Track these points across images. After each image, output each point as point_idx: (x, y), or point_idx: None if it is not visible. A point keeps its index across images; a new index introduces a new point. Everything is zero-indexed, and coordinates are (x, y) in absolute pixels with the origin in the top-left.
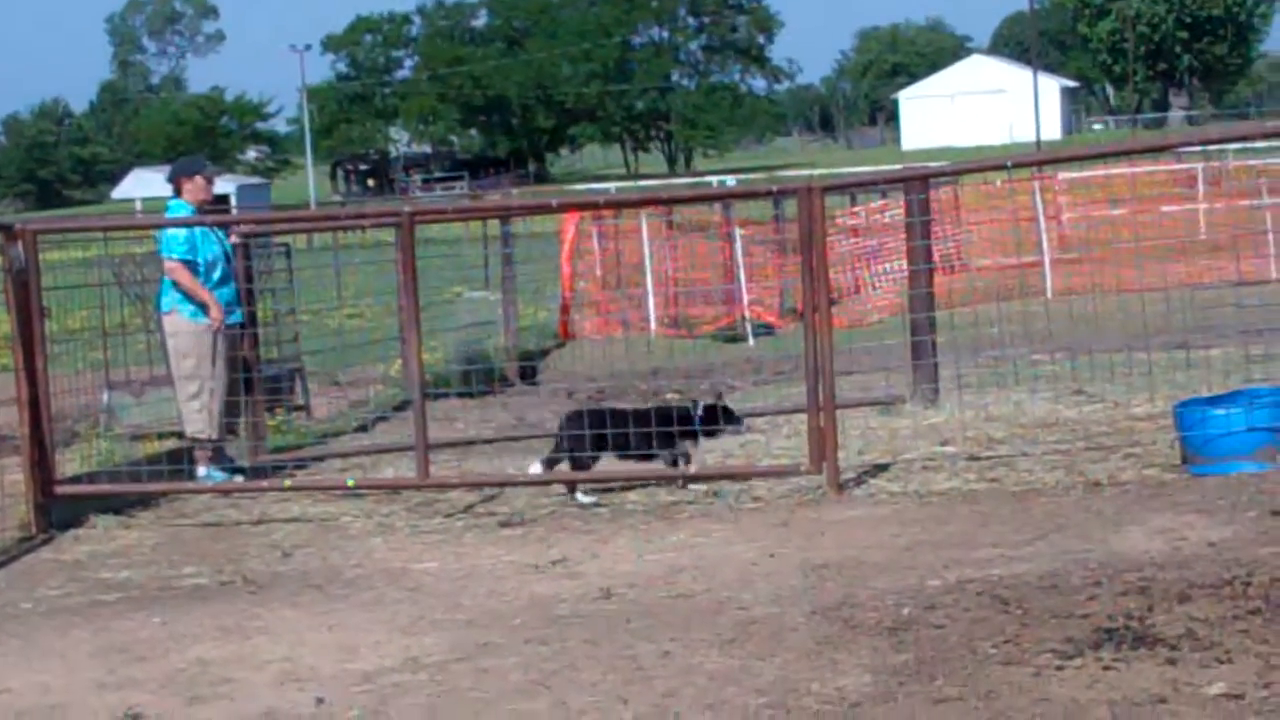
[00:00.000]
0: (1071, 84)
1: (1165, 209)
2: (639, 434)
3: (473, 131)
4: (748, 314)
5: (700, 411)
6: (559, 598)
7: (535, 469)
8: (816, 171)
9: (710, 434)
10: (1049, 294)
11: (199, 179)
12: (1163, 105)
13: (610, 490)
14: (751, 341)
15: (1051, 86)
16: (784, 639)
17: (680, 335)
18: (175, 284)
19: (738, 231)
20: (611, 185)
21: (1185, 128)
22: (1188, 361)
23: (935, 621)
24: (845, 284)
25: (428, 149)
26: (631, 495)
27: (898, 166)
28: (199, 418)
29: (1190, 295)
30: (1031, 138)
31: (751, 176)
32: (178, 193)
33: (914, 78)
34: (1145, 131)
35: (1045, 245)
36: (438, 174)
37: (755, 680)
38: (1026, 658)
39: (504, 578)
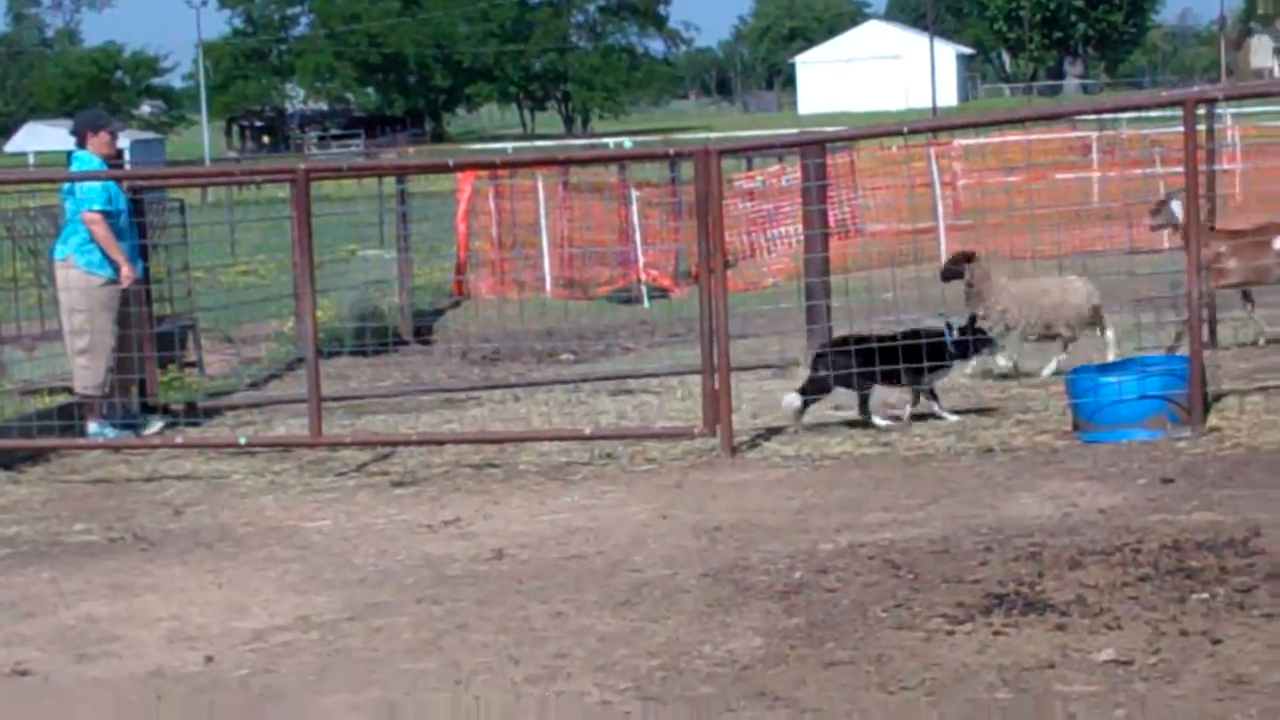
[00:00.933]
0: (968, 51)
1: (1059, 176)
2: (902, 361)
3: (369, 89)
4: (643, 276)
5: (954, 334)
6: (451, 558)
7: (791, 400)
8: (713, 135)
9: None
10: (944, 260)
11: (104, 133)
12: (1058, 73)
13: (503, 450)
14: (647, 304)
15: (948, 53)
16: (676, 601)
17: (575, 296)
18: (91, 237)
19: (634, 193)
20: (508, 145)
21: (1080, 96)
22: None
23: (827, 585)
24: (741, 247)
25: (324, 106)
26: (525, 455)
27: (794, 131)
28: (87, 373)
29: (1083, 263)
30: (928, 104)
31: (648, 139)
32: (82, 145)
33: (811, 42)
34: (1040, 99)
35: (940, 211)
36: (334, 131)
37: (647, 642)
38: (917, 622)
39: (396, 537)
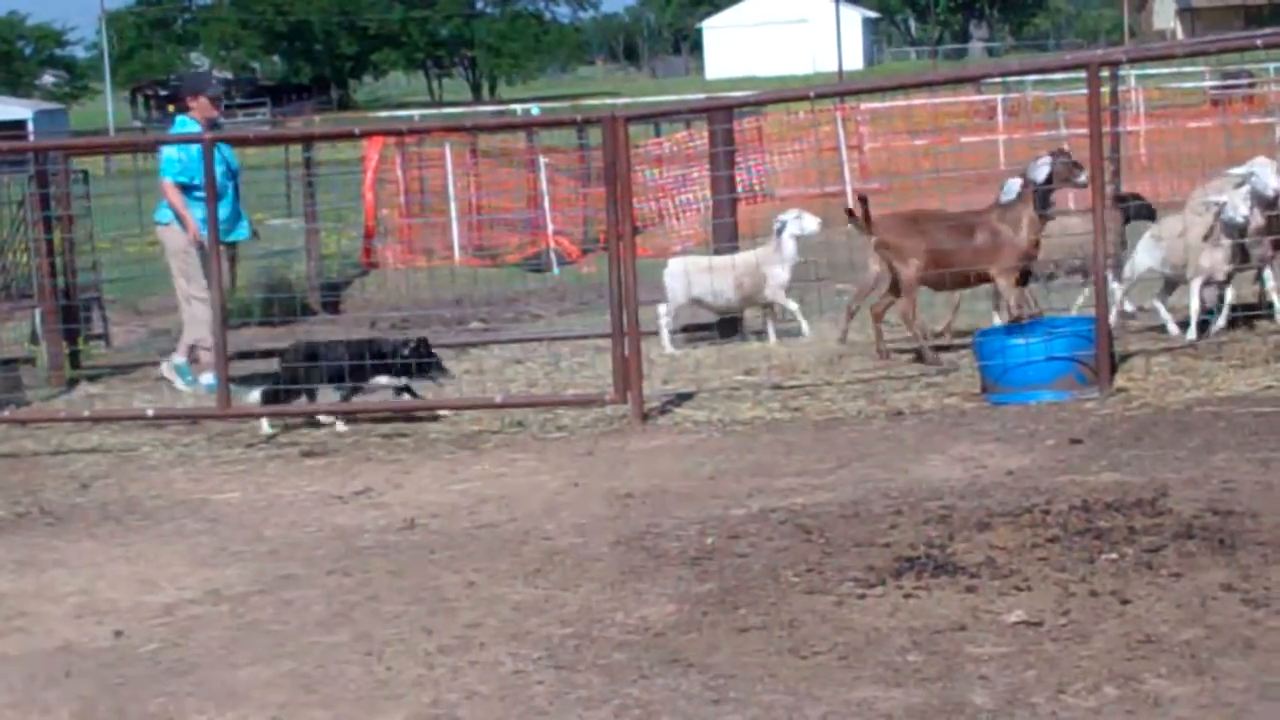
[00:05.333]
0: (873, 15)
1: (965, 140)
2: None
3: (275, 57)
4: (553, 243)
5: None
6: (362, 528)
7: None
8: (621, 101)
9: None
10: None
11: (203, 98)
12: (963, 37)
13: (414, 420)
14: (556, 270)
15: (854, 17)
16: (588, 569)
17: (484, 264)
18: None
19: (542, 160)
20: (415, 112)
21: (985, 59)
22: (988, 290)
23: (739, 550)
24: (650, 213)
25: (229, 75)
26: (434, 425)
27: (702, 96)
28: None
29: None
30: (834, 68)
31: (556, 105)
32: (184, 109)
33: (717, 7)
34: (946, 63)
35: (847, 175)
36: (240, 100)
37: (559, 610)
38: (829, 586)
39: (306, 508)
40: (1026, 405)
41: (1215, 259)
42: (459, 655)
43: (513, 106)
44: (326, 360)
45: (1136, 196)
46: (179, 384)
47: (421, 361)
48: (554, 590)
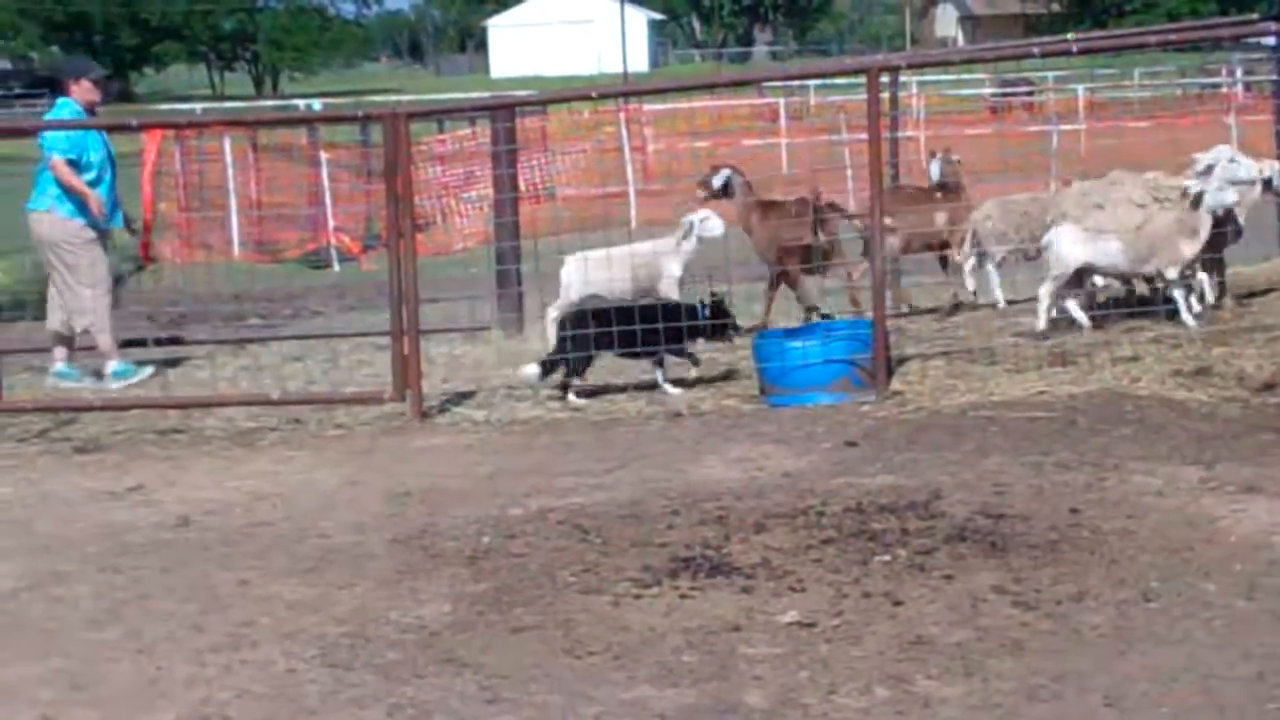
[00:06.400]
0: (659, 16)
1: (748, 142)
2: None
3: (54, 48)
4: (333, 240)
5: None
6: (135, 525)
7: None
8: (404, 97)
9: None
10: (634, 224)
11: (85, 81)
12: (748, 40)
13: (189, 415)
14: (337, 267)
15: (639, 19)
16: (364, 568)
17: (264, 260)
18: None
19: (324, 156)
20: (197, 106)
21: (769, 63)
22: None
23: (515, 550)
24: (432, 211)
25: (7, 65)
26: (211, 420)
27: (486, 94)
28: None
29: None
30: (619, 69)
31: (339, 101)
32: (65, 92)
33: (503, 6)
34: (730, 66)
35: (631, 176)
36: (17, 90)
37: (334, 609)
38: (605, 586)
39: (78, 504)
40: (804, 407)
41: (1195, 247)
42: (231, 653)
43: (295, 102)
44: (604, 325)
45: (834, 207)
46: (72, 384)
47: (719, 323)
48: (329, 589)
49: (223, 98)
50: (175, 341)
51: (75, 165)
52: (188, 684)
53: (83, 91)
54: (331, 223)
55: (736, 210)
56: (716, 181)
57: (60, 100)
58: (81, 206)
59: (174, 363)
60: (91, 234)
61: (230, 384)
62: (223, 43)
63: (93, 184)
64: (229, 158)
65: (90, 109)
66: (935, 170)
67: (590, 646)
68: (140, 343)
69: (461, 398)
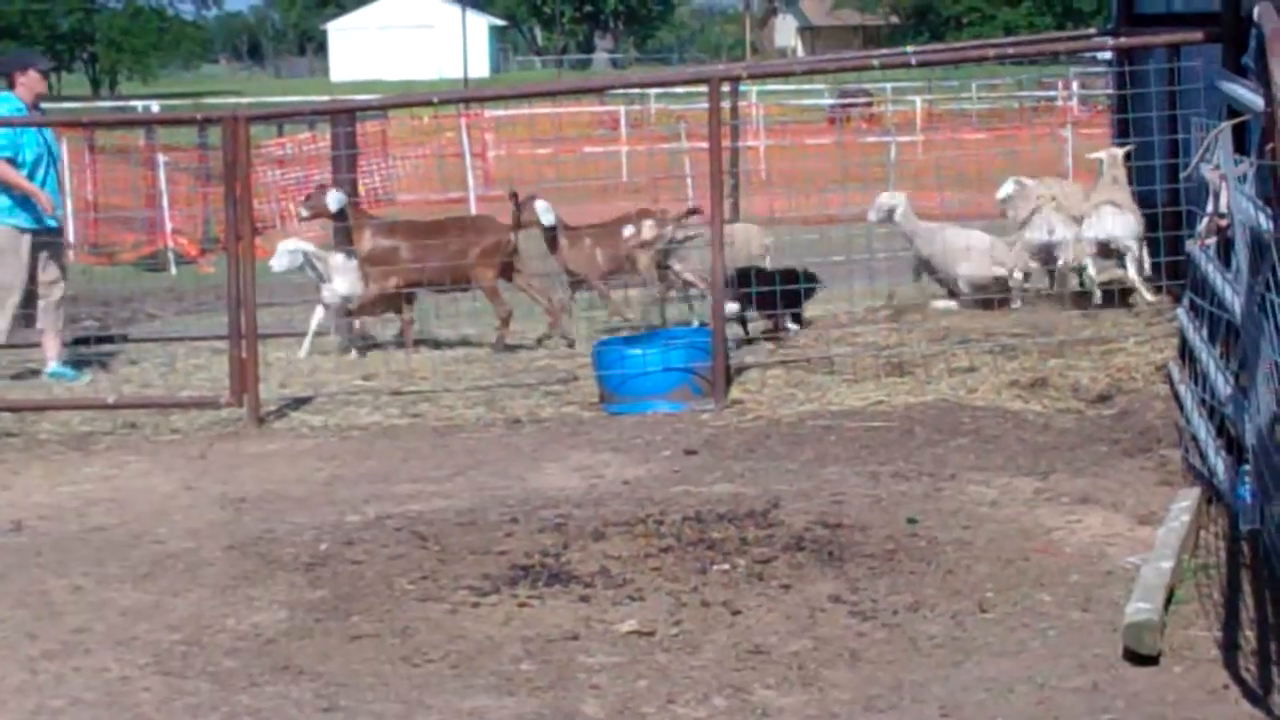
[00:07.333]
0: (500, 23)
1: (588, 150)
2: None
3: None
4: (171, 242)
5: None
6: None
7: None
8: (244, 100)
9: None
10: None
11: (32, 72)
12: (589, 47)
13: (23, 418)
14: (174, 270)
15: (480, 24)
16: (200, 574)
17: (100, 262)
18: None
19: (161, 158)
20: None
21: (610, 71)
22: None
23: (353, 557)
24: (271, 215)
25: None
26: (45, 424)
27: (325, 98)
28: None
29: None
30: (460, 74)
31: (178, 103)
32: (10, 85)
33: (343, 9)
34: (571, 72)
35: (471, 182)
36: None
37: (169, 616)
38: (443, 594)
39: None
40: (644, 415)
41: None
42: (64, 661)
43: (133, 103)
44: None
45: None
46: None
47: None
48: (164, 595)
49: (60, 98)
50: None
51: (12, 164)
52: (19, 691)
53: (30, 83)
54: (169, 225)
55: (345, 233)
56: (332, 204)
57: (2, 95)
58: (10, 208)
59: (7, 365)
60: (18, 236)
61: (65, 387)
62: (60, 43)
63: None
64: (65, 158)
65: (35, 103)
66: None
67: (428, 655)
68: None
69: (299, 403)
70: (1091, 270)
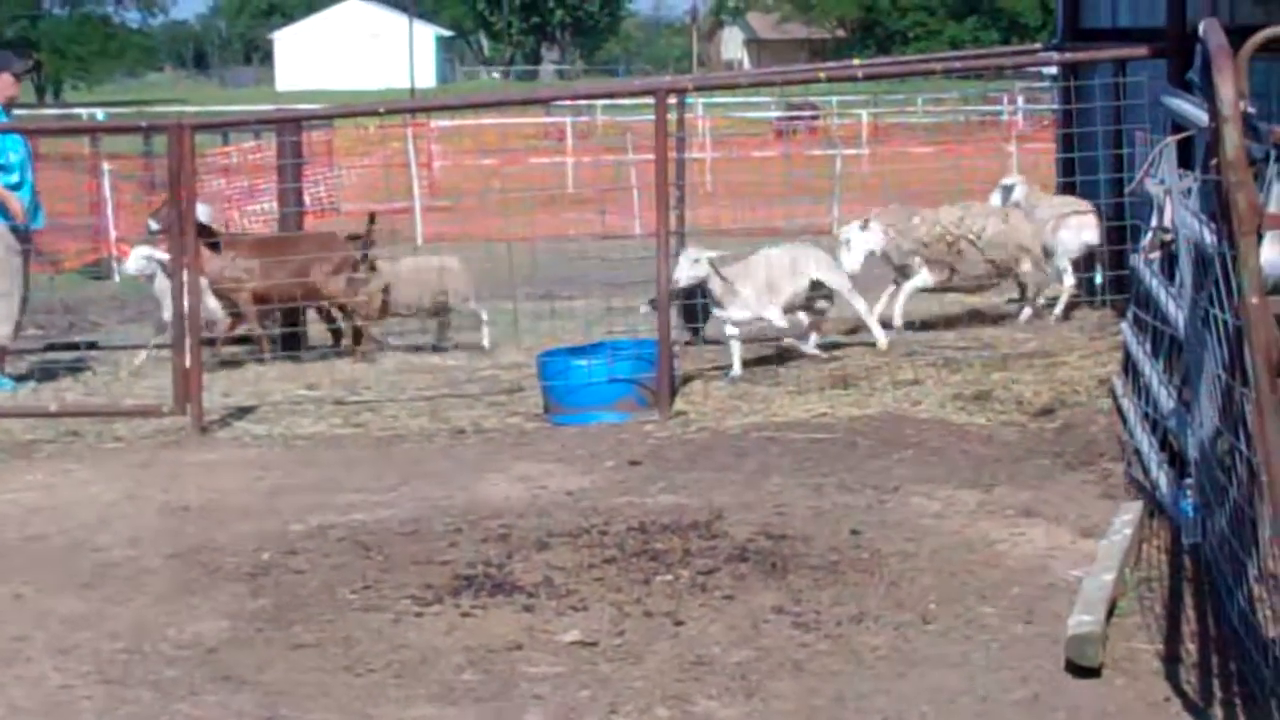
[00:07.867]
0: (447, 33)
1: (534, 161)
2: None
3: None
4: (115, 250)
5: None
6: None
7: None
8: (189, 109)
9: None
10: (419, 240)
11: (6, 75)
12: (536, 58)
13: None
14: (118, 278)
15: (426, 34)
16: (141, 583)
17: (43, 269)
18: None
19: (106, 166)
20: None
21: (556, 82)
22: (552, 312)
23: (296, 567)
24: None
25: None
26: None
27: (271, 107)
28: None
29: (556, 247)
30: (406, 84)
31: (123, 110)
32: None
33: (290, 19)
34: (518, 84)
35: (417, 192)
36: None
37: (110, 624)
38: (386, 604)
39: None
40: (587, 426)
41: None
42: (3, 669)
43: (78, 110)
44: None
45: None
46: None
47: None
48: (105, 604)
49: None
50: None
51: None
52: None
53: (5, 86)
54: (113, 233)
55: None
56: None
57: None
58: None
59: None
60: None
61: (7, 395)
62: (4, 49)
63: (15, 187)
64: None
65: (9, 105)
66: None
67: (370, 664)
68: None
69: (243, 412)
70: (1069, 280)
